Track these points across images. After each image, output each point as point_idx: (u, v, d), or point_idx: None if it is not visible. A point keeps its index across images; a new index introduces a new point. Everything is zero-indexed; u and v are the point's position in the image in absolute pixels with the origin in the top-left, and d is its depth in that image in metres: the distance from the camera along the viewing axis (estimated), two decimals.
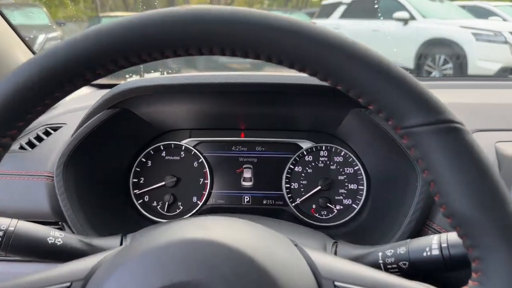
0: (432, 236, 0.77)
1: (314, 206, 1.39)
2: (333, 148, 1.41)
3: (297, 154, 1.41)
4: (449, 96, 1.34)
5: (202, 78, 1.15)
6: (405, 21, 9.56)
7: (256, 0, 21.87)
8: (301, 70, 0.45)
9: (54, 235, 0.86)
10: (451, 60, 8.24)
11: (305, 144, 1.42)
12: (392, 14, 9.77)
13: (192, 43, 0.43)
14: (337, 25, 10.23)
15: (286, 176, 1.41)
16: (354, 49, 0.43)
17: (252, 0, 21.98)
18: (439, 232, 1.09)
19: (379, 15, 10.13)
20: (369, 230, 1.22)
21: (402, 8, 9.73)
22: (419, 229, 1.07)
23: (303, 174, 1.41)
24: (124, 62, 0.45)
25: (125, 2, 17.74)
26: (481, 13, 10.16)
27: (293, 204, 1.39)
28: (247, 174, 1.43)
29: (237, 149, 1.45)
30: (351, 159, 1.40)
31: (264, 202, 1.42)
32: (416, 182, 1.07)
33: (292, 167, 1.41)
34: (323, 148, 1.42)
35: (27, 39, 1.59)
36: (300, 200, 1.39)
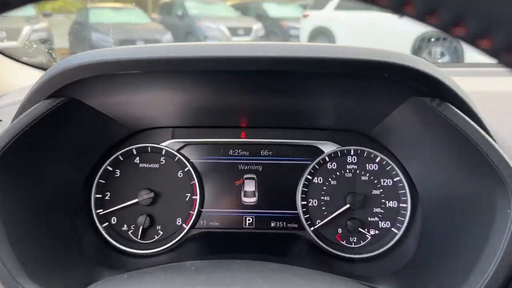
0: None
1: (340, 231, 1.04)
2: (365, 153, 1.05)
3: (316, 160, 1.05)
4: None
5: (184, 49, 0.71)
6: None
7: None
8: None
9: None
10: (447, 52, 8.06)
11: (328, 147, 1.07)
12: None
13: None
14: (330, 18, 9.98)
15: (302, 190, 1.05)
16: None
17: None
18: None
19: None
20: (429, 269, 0.86)
21: None
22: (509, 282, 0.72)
23: (324, 188, 1.05)
24: None
25: None
26: None
27: (312, 228, 1.04)
28: (250, 187, 1.07)
29: (236, 154, 1.09)
30: (389, 167, 1.04)
31: (273, 225, 1.06)
32: (508, 207, 0.71)
33: (310, 177, 1.06)
34: (352, 153, 1.06)
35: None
36: (322, 222, 1.03)
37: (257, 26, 11.07)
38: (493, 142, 0.72)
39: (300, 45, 0.70)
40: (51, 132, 0.83)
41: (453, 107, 0.74)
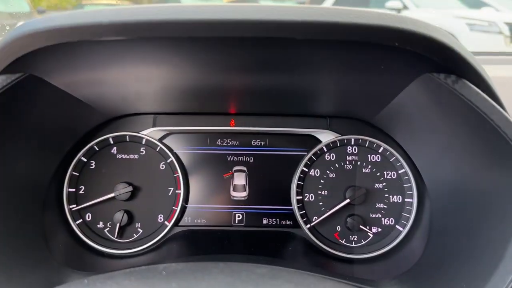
0: None
1: (339, 229, 0.94)
2: (367, 142, 0.96)
3: (313, 151, 0.95)
4: None
5: (151, 12, 0.58)
6: (398, 11, 9.29)
7: None
8: None
9: None
10: None
11: (326, 137, 0.97)
12: (385, 3, 9.48)
13: None
14: None
15: (298, 184, 0.95)
16: None
17: None
18: None
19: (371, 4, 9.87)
20: (441, 273, 0.76)
21: None
22: None
23: (322, 181, 0.96)
24: None
25: None
26: (474, 3, 9.94)
27: (308, 226, 0.94)
28: (239, 180, 0.97)
29: (224, 144, 0.99)
30: (393, 158, 0.95)
31: (265, 222, 0.97)
32: None
33: (306, 170, 0.96)
34: (352, 142, 0.96)
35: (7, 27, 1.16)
36: (319, 219, 0.94)
37: None
38: None
39: (290, 8, 0.59)
40: (7, 115, 0.71)
41: (471, 85, 0.64)
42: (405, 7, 9.89)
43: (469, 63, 0.63)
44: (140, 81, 0.81)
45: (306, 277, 0.64)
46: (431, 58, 0.62)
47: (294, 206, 0.94)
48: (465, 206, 0.76)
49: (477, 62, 0.65)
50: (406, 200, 0.94)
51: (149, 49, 0.68)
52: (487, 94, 0.65)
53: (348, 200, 0.92)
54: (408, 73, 0.70)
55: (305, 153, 0.96)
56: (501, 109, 0.63)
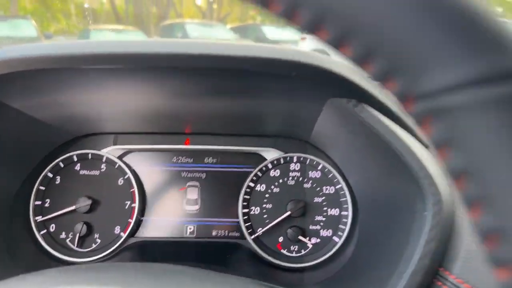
0: None
1: (281, 240, 1.02)
2: (308, 160, 1.04)
3: (259, 167, 1.04)
4: None
5: (121, 45, 0.69)
6: None
7: (249, 16, 21.89)
8: None
9: None
10: None
11: (271, 154, 1.05)
12: None
13: None
14: None
15: (244, 198, 1.03)
16: None
17: (245, 17, 22.01)
18: None
19: None
20: (356, 277, 0.84)
21: None
22: (429, 282, 0.69)
23: (267, 195, 1.04)
24: None
25: (116, 15, 17.52)
26: None
27: (253, 237, 1.01)
28: (192, 194, 1.06)
29: (179, 161, 1.08)
30: (331, 174, 1.03)
31: (214, 233, 1.04)
32: (424, 210, 0.69)
33: (253, 185, 1.04)
34: (295, 160, 1.05)
35: None
36: (262, 230, 1.01)
37: None
38: (408, 143, 0.70)
39: (202, 43, 0.69)
40: None
41: (369, 108, 0.73)
42: None
43: (365, 90, 0.72)
44: (101, 104, 0.91)
45: (229, 279, 0.72)
46: (330, 86, 0.71)
47: (240, 218, 1.02)
48: (381, 217, 0.84)
49: (375, 87, 0.74)
50: (342, 213, 1.01)
51: (104, 77, 0.79)
52: (388, 116, 0.74)
53: (289, 212, 1.00)
54: (317, 98, 0.79)
55: (252, 169, 1.05)
56: (393, 128, 0.71)
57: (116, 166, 1.05)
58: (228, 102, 0.89)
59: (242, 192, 1.03)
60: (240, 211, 1.02)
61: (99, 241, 1.02)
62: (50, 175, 1.04)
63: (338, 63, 0.72)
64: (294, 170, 1.05)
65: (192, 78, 0.79)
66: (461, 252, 0.73)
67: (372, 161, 0.83)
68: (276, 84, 0.78)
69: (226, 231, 1.04)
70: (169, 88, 0.85)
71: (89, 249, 1.02)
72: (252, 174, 1.04)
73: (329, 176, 1.03)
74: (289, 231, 1.00)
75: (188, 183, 1.07)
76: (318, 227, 1.02)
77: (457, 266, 0.70)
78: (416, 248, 0.69)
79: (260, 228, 1.02)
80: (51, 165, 1.04)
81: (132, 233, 1.03)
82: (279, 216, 1.01)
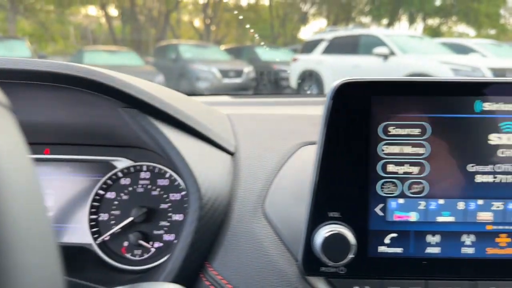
0: None
1: (125, 244, 1.06)
2: (157, 168, 1.09)
3: (108, 176, 1.09)
4: None
5: None
6: (385, 57, 9.61)
7: (247, 37, 22.22)
8: None
9: None
10: None
11: (122, 163, 1.10)
12: (372, 49, 9.82)
13: None
14: (319, 61, 10.29)
15: (93, 205, 1.08)
16: None
17: (242, 38, 22.34)
18: (216, 281, 0.77)
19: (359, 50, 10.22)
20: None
21: (382, 44, 9.82)
22: (194, 273, 0.75)
23: (115, 202, 1.08)
24: None
25: (113, 37, 17.89)
26: (461, 50, 10.23)
27: (98, 242, 1.05)
28: (48, 202, 1.10)
29: (41, 171, 1.12)
30: (177, 182, 1.07)
31: (65, 239, 1.08)
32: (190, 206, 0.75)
33: (103, 192, 1.08)
34: (144, 169, 1.09)
35: None
36: (107, 236, 1.05)
37: (248, 69, 11.41)
38: (176, 144, 0.75)
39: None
40: None
41: (149, 117, 0.78)
42: (392, 53, 10.17)
43: (141, 100, 0.77)
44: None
45: None
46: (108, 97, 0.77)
47: (87, 224, 1.07)
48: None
49: (157, 98, 0.80)
50: (187, 218, 1.05)
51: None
52: (173, 126, 0.79)
53: (131, 218, 1.04)
54: (110, 108, 0.84)
55: (101, 177, 1.09)
56: (168, 137, 0.77)
57: None
58: (56, 114, 0.95)
59: (90, 199, 1.08)
60: (87, 217, 1.07)
61: None
62: None
63: (116, 76, 0.78)
64: (144, 179, 1.09)
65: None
66: (222, 249, 0.78)
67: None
68: (69, 95, 0.84)
69: (76, 237, 1.08)
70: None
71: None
72: (100, 182, 1.08)
73: (175, 183, 1.07)
74: (130, 236, 1.04)
75: (46, 191, 1.11)
76: (162, 231, 1.06)
77: (217, 260, 0.75)
78: (180, 242, 0.75)
79: (107, 234, 1.06)
80: None
81: None
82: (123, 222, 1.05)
